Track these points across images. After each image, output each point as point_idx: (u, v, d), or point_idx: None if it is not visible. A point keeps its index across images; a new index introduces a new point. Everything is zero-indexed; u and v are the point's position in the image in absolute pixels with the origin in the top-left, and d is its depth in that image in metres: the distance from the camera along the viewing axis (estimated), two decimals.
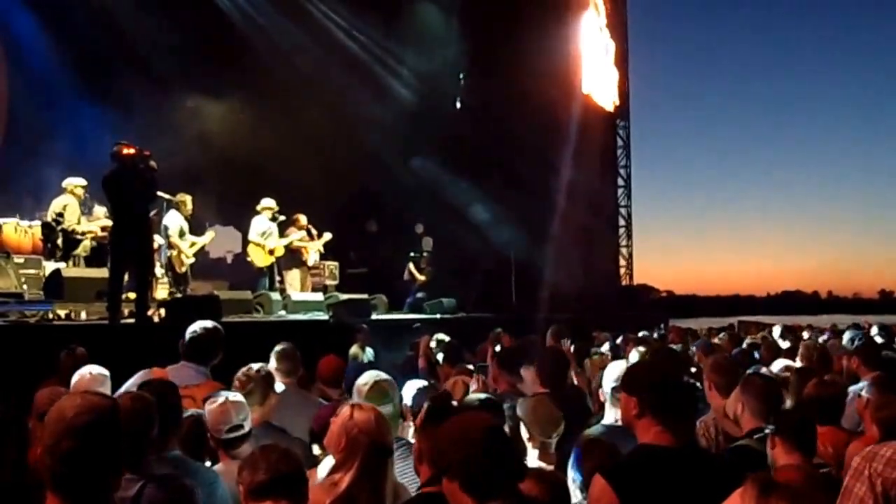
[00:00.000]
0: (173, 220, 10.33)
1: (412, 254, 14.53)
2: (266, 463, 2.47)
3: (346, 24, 15.74)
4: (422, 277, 14.32)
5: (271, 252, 11.54)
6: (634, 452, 2.64)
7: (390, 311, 12.99)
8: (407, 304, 14.03)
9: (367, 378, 3.55)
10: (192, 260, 10.72)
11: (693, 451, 2.71)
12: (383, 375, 3.62)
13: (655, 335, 10.62)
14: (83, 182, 9.76)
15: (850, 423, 4.16)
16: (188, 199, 10.59)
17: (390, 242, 15.84)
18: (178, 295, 10.10)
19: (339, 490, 2.59)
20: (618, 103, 25.17)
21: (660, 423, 2.58)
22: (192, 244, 10.64)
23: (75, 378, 4.37)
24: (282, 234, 11.79)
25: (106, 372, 4.45)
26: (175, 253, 10.36)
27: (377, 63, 16.25)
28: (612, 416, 3.79)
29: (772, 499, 1.66)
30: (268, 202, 11.68)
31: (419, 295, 14.01)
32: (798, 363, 5.73)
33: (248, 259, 11.75)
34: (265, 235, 11.46)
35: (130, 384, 3.86)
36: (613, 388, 3.74)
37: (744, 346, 7.92)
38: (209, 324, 4.52)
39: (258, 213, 11.61)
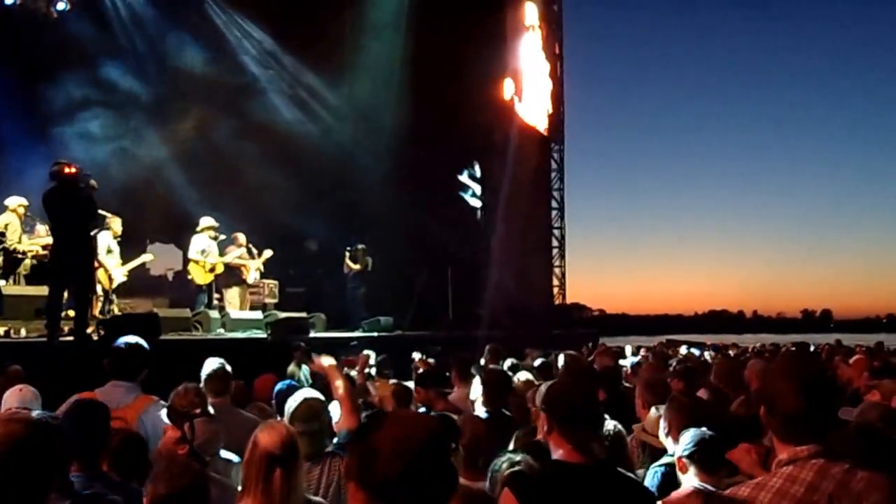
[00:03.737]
0: (101, 240, 10.34)
1: (348, 247, 14.79)
2: (167, 476, 2.57)
3: (285, 51, 16.06)
4: (357, 266, 14.58)
5: (211, 270, 11.67)
6: (544, 469, 2.67)
7: (328, 329, 13.15)
8: (348, 296, 14.38)
9: (297, 397, 3.58)
10: (123, 279, 10.74)
11: (603, 468, 2.67)
12: (314, 394, 3.64)
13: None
14: (25, 201, 9.75)
15: None
16: (117, 220, 10.63)
17: (330, 262, 15.99)
18: (104, 313, 10.11)
19: None
20: (552, 127, 25.81)
21: (568, 440, 2.60)
22: (120, 263, 10.65)
23: (5, 397, 4.42)
24: (222, 252, 11.90)
25: (34, 390, 4.50)
26: (101, 271, 10.38)
27: (316, 86, 16.53)
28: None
29: None
30: (207, 221, 11.81)
31: (352, 284, 14.46)
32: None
33: (189, 277, 11.83)
34: (205, 254, 11.58)
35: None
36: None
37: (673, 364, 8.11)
38: (132, 339, 4.48)
39: (198, 231, 11.72)
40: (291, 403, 3.56)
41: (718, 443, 3.34)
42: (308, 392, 3.69)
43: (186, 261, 12.02)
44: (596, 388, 4.95)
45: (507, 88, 22.09)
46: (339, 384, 3.80)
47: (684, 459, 3.25)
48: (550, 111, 25.39)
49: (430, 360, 9.43)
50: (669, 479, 3.40)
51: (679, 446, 3.32)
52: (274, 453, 2.65)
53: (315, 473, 3.30)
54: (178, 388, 3.95)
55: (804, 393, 2.25)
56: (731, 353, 14.41)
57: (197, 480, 2.61)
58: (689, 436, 3.31)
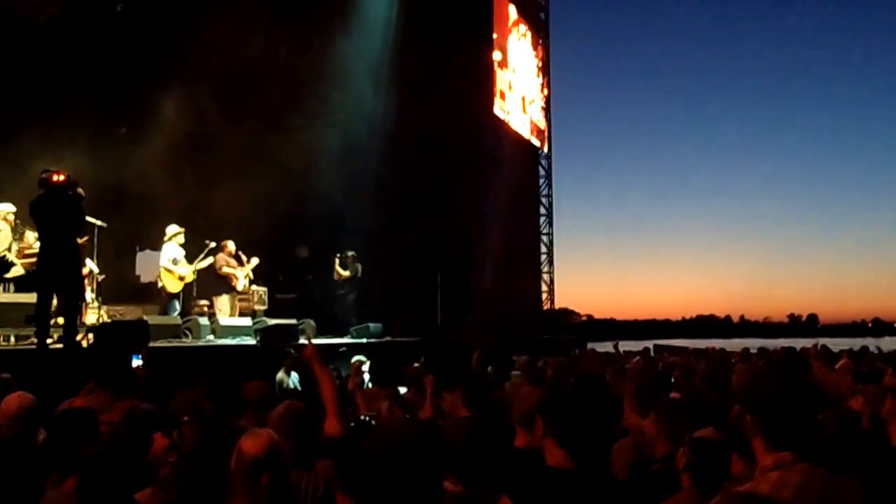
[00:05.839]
0: None
1: (338, 254, 14.82)
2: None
3: (275, 54, 16.02)
4: (346, 273, 14.61)
5: (181, 278, 11.71)
6: (539, 475, 2.66)
7: (319, 335, 13.14)
8: (338, 303, 14.47)
9: (281, 405, 3.62)
10: None
11: (594, 473, 2.70)
12: (297, 402, 3.67)
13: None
14: (13, 208, 9.72)
15: None
16: None
17: (319, 268, 16.00)
18: None
19: None
20: (541, 133, 25.90)
21: (561, 445, 2.63)
22: None
23: (4, 403, 4.36)
24: (211, 260, 11.92)
25: (32, 396, 4.43)
26: None
27: (303, 90, 16.55)
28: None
29: None
30: (173, 229, 11.83)
31: (341, 291, 14.52)
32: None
33: (160, 285, 11.83)
34: (175, 262, 11.63)
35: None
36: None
37: (659, 368, 8.14)
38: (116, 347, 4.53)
39: (166, 240, 11.74)
40: (275, 411, 3.60)
41: (721, 451, 3.01)
42: (292, 400, 3.71)
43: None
44: (590, 394, 5.01)
45: (495, 95, 22.10)
46: (326, 386, 3.74)
47: (681, 467, 3.08)
48: (542, 106, 25.47)
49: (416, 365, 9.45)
50: (660, 486, 3.31)
51: (679, 452, 3.13)
52: (260, 459, 2.68)
53: (302, 482, 3.31)
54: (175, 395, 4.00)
55: (789, 399, 2.27)
56: (716, 357, 14.36)
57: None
58: (690, 442, 3.08)
